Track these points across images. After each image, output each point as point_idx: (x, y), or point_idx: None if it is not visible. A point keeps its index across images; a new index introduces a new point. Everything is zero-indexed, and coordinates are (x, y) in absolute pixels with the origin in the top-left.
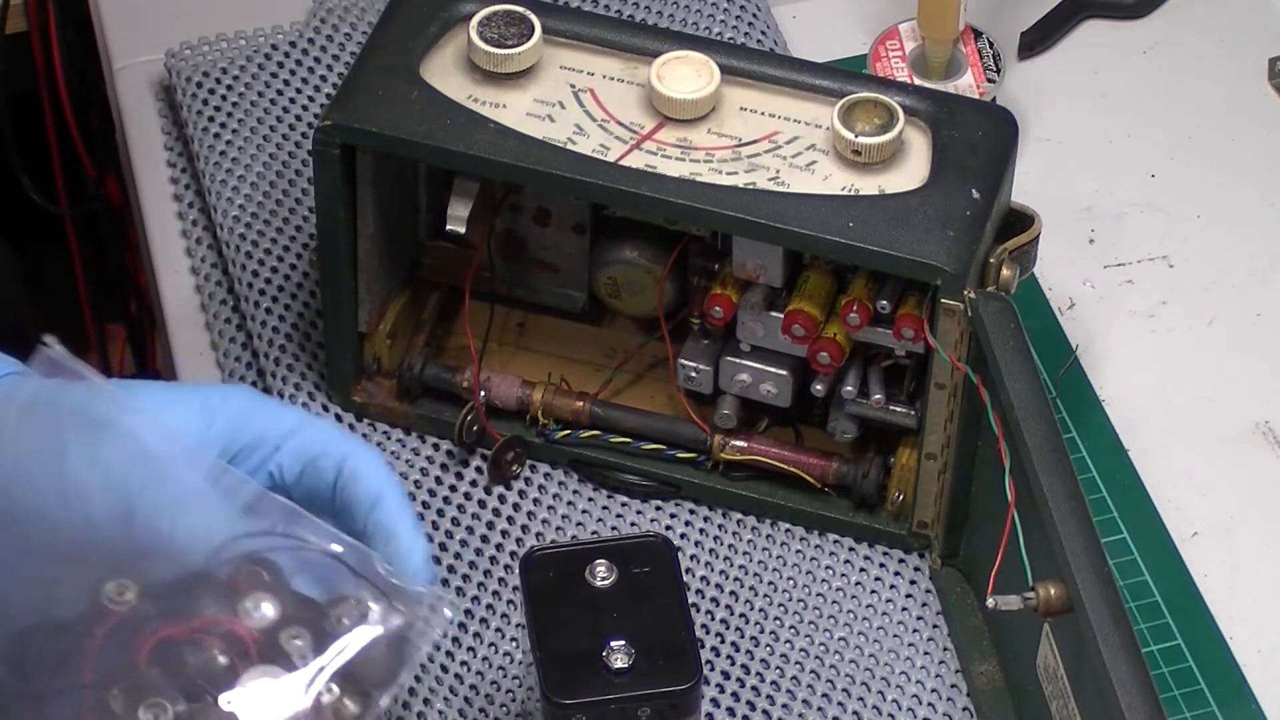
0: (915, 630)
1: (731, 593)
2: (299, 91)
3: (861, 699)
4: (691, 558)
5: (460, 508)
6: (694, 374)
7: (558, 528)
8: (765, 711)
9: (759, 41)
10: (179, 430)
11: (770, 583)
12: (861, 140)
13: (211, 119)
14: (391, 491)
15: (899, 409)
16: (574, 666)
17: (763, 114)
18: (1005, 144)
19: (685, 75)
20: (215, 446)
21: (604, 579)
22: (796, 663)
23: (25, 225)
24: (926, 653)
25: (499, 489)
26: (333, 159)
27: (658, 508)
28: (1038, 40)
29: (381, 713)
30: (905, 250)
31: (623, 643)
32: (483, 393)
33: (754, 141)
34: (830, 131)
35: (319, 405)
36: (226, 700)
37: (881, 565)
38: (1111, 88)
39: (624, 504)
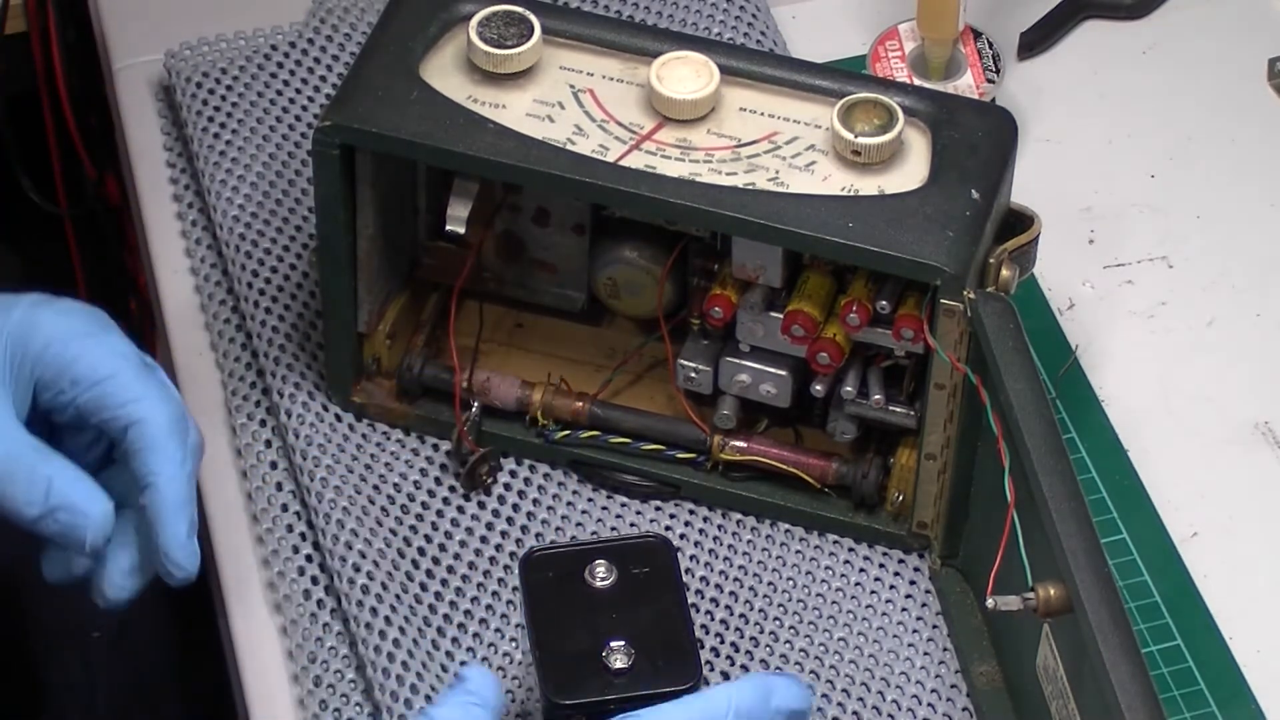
0: (915, 630)
1: (731, 593)
2: (299, 91)
3: (861, 699)
4: (691, 558)
5: (460, 508)
6: (694, 374)
7: (557, 528)
8: None
9: (759, 41)
10: None
11: (770, 583)
12: (861, 140)
13: (211, 119)
14: (164, 475)
15: (899, 409)
16: (574, 667)
17: (762, 114)
18: (1005, 144)
19: (685, 75)
20: (10, 371)
21: (603, 579)
22: (796, 663)
23: (25, 225)
24: (926, 653)
25: (499, 490)
26: (332, 159)
27: (658, 508)
28: (1038, 40)
29: None
30: (905, 250)
31: (622, 643)
32: (479, 396)
33: (753, 142)
34: (830, 132)
35: (319, 405)
36: None
37: (881, 565)
38: (1111, 88)
39: (624, 504)
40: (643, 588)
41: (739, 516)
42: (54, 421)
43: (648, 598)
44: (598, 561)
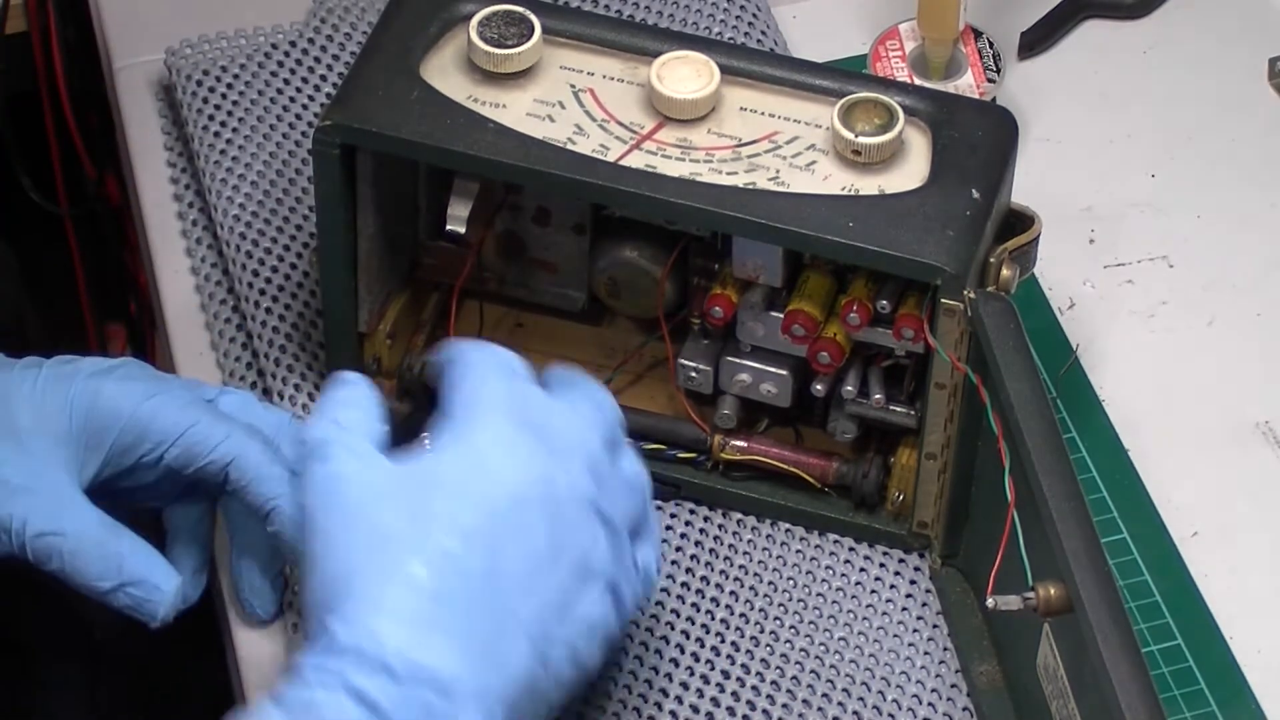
0: (915, 630)
1: (731, 593)
2: (299, 91)
3: (861, 699)
4: (692, 557)
5: None
6: (694, 374)
7: None
8: (765, 711)
9: (759, 41)
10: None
11: (770, 583)
12: (861, 140)
13: (211, 118)
14: (279, 498)
15: (899, 409)
16: None
17: (763, 114)
18: (1005, 144)
19: (685, 75)
20: (77, 444)
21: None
22: (796, 663)
23: (25, 225)
24: (926, 653)
25: None
26: (333, 159)
27: (658, 507)
28: (1038, 40)
29: None
30: (905, 250)
31: None
32: None
33: (754, 141)
34: (830, 131)
35: None
36: None
37: (881, 565)
38: (1111, 88)
39: None
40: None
41: (739, 516)
42: (125, 473)
43: None
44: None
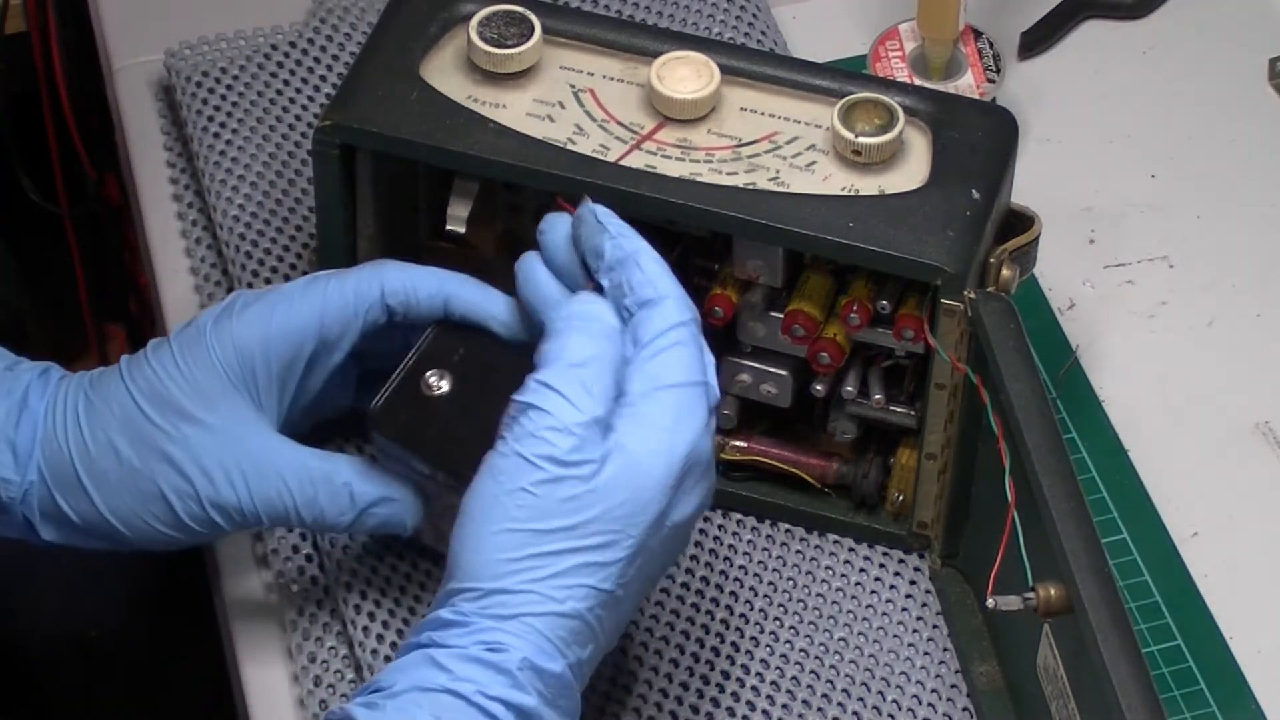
0: (915, 630)
1: (731, 593)
2: (299, 91)
3: (861, 699)
4: (691, 558)
5: None
6: None
7: None
8: (765, 711)
9: (759, 41)
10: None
11: (770, 583)
12: (861, 140)
13: (211, 118)
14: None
15: (899, 409)
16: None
17: (763, 114)
18: (1005, 144)
19: (685, 75)
20: (264, 386)
21: (442, 386)
22: (796, 663)
23: (25, 225)
24: (926, 653)
25: None
26: (332, 159)
27: None
28: (1038, 40)
29: None
30: (905, 250)
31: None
32: None
33: (754, 142)
34: (830, 131)
35: None
36: None
37: (881, 565)
38: (1111, 88)
39: None
40: (480, 362)
41: (739, 516)
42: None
43: (492, 361)
44: (427, 376)
